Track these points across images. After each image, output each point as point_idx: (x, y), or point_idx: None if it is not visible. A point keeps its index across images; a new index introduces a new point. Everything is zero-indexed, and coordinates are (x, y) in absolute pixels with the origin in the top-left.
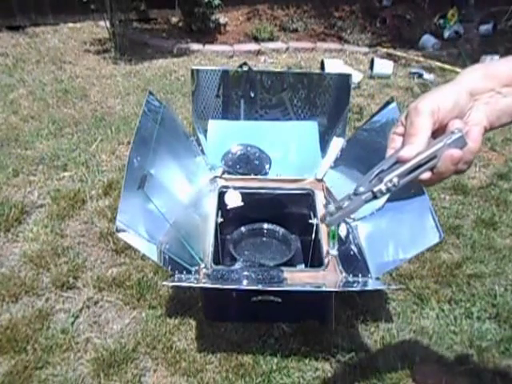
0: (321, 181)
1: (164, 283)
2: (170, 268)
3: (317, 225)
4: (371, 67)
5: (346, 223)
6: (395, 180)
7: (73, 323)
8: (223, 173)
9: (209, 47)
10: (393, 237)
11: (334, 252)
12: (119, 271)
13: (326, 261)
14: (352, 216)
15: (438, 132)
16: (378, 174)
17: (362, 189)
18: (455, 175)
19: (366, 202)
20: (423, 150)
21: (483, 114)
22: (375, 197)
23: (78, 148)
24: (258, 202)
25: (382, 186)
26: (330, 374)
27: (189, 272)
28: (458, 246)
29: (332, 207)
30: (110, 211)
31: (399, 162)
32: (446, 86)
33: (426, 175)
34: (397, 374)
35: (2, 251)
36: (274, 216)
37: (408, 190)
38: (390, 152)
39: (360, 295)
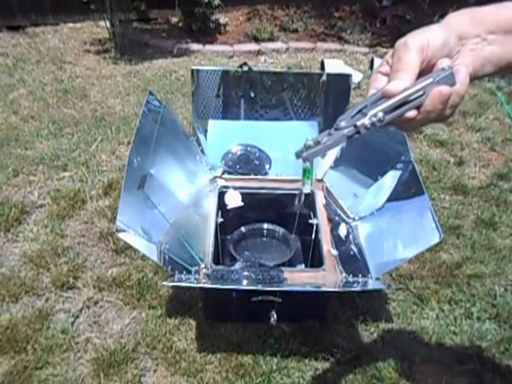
0: (321, 181)
1: (164, 283)
2: (170, 268)
3: (317, 225)
4: (371, 67)
5: (346, 223)
6: (380, 114)
7: (73, 323)
8: (223, 173)
9: (209, 47)
10: (393, 237)
11: (334, 251)
12: (119, 271)
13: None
14: (351, 216)
15: (425, 73)
16: (360, 110)
17: (343, 123)
18: (437, 123)
19: (348, 137)
20: (411, 86)
21: (468, 59)
22: (358, 132)
23: (78, 148)
24: (258, 201)
25: (366, 120)
26: (329, 374)
27: (189, 272)
28: (458, 246)
29: (310, 141)
30: (110, 211)
31: (385, 97)
32: (435, 26)
33: (412, 113)
34: (397, 373)
35: (1, 251)
36: (274, 216)
37: (408, 190)
38: (372, 92)
39: (360, 295)
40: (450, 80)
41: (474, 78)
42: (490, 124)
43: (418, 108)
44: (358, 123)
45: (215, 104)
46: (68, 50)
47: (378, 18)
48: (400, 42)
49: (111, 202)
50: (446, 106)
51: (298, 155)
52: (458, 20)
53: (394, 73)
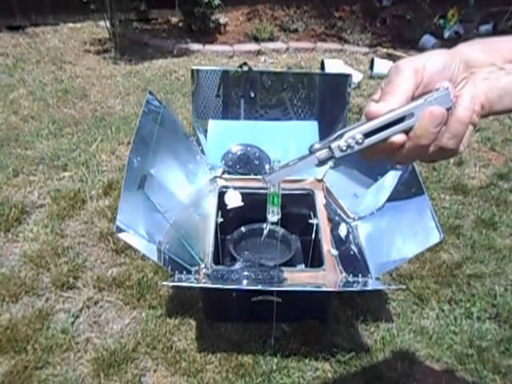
0: (321, 181)
1: (164, 283)
2: (169, 268)
3: (317, 225)
4: (371, 67)
5: (346, 223)
6: (358, 136)
7: (73, 323)
8: (223, 173)
9: (209, 47)
10: (393, 237)
11: (334, 251)
12: (119, 271)
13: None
14: (351, 215)
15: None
16: (341, 134)
17: (317, 145)
18: (443, 160)
19: (321, 161)
20: (397, 108)
21: (481, 89)
22: (332, 156)
23: (78, 148)
24: (258, 202)
25: (342, 142)
26: (329, 374)
27: (189, 272)
28: (458, 246)
29: (277, 165)
30: (109, 211)
31: (367, 119)
32: (436, 51)
33: (399, 137)
34: (397, 373)
35: (2, 251)
36: None
37: (408, 190)
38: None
39: (360, 295)
40: (446, 101)
41: (493, 113)
42: (489, 124)
43: (407, 133)
44: (333, 145)
45: (215, 104)
46: (68, 50)
47: (378, 17)
48: (393, 66)
49: (111, 201)
50: (442, 132)
51: (263, 179)
52: (468, 48)
53: (383, 95)
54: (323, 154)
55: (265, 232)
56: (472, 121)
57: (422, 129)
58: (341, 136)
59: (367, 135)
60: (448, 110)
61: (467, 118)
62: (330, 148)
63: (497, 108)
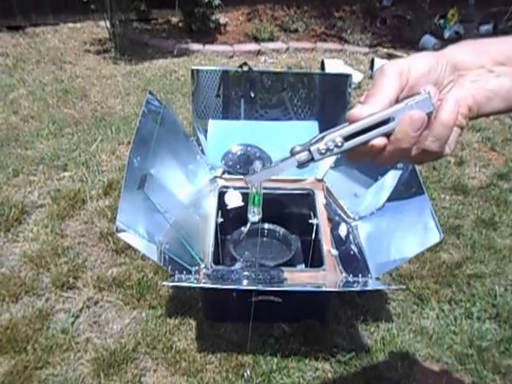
0: (321, 181)
1: (164, 283)
2: (170, 268)
3: (317, 225)
4: (371, 67)
5: (346, 223)
6: (338, 139)
7: (73, 323)
8: (223, 173)
9: (209, 47)
10: (393, 236)
11: (334, 251)
12: (119, 271)
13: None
14: (352, 215)
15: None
16: (323, 137)
17: (298, 148)
18: (429, 161)
19: (301, 163)
20: (379, 111)
21: (468, 92)
22: (312, 158)
23: (78, 148)
24: None
25: (322, 145)
26: (330, 374)
27: (189, 272)
28: (458, 246)
29: (259, 165)
30: (110, 211)
31: (349, 122)
32: (423, 53)
33: (380, 141)
34: (397, 373)
35: (2, 251)
36: (274, 216)
37: (408, 190)
38: None
39: (360, 295)
40: (427, 106)
41: (481, 115)
42: (490, 124)
43: (388, 137)
44: (312, 148)
45: (215, 104)
46: (68, 50)
47: (378, 17)
48: (378, 68)
49: (111, 201)
50: (425, 135)
51: (244, 180)
52: (457, 50)
53: (366, 98)
54: (303, 156)
55: (245, 231)
56: (458, 123)
57: (402, 133)
58: (322, 139)
59: (347, 138)
60: (429, 114)
61: (451, 120)
62: (309, 151)
63: (485, 110)
